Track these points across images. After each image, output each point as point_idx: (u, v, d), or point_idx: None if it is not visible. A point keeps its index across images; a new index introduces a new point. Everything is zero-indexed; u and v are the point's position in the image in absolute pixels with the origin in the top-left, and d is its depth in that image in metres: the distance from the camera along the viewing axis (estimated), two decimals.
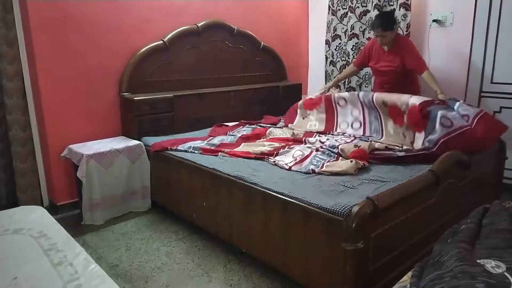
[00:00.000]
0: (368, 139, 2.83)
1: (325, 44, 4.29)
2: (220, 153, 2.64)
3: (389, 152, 2.45)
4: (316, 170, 2.23)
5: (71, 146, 2.87)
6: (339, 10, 4.10)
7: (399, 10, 3.62)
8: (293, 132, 3.06)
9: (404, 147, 2.62)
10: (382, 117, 2.90)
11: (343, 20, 4.09)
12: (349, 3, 3.98)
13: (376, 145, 2.55)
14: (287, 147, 2.66)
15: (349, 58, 4.08)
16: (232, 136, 3.04)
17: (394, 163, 2.34)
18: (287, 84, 4.23)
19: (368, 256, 1.69)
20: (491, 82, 3.28)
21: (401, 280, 1.20)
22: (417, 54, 3.14)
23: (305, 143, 2.78)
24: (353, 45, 4.03)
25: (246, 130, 3.22)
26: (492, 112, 3.28)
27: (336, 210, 1.69)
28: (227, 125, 3.46)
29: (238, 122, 3.51)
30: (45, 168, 3.01)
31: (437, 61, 3.60)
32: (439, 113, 2.49)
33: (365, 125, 2.99)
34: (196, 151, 2.70)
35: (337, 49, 4.21)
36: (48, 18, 2.76)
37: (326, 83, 4.36)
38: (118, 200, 2.90)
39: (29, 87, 2.86)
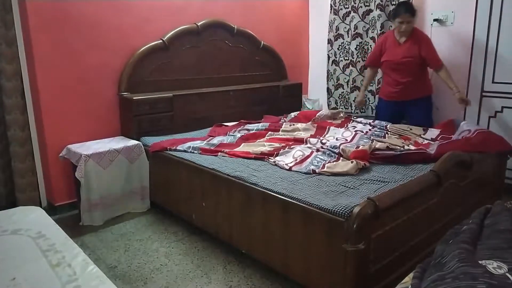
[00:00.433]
0: (370, 138, 2.84)
1: (328, 43, 4.28)
2: (220, 153, 2.62)
3: (390, 152, 2.44)
4: (317, 171, 2.22)
5: (69, 146, 2.86)
6: (341, 9, 4.09)
7: None
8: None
9: (406, 147, 2.61)
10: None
11: (345, 19, 4.09)
12: (352, 3, 3.97)
13: (377, 145, 2.54)
14: (287, 147, 2.65)
15: (353, 58, 4.07)
16: (232, 136, 3.03)
17: (395, 163, 2.34)
18: (287, 84, 4.22)
19: (369, 257, 1.68)
20: (493, 82, 3.26)
21: (402, 281, 1.19)
22: (434, 48, 3.16)
23: (306, 143, 2.77)
24: (357, 45, 4.02)
25: (246, 130, 3.20)
26: (493, 112, 3.28)
27: (336, 211, 1.68)
28: (227, 125, 3.45)
29: (238, 122, 3.50)
30: (44, 168, 2.99)
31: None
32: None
33: (356, 137, 2.95)
34: (195, 151, 2.69)
35: (340, 49, 4.20)
36: (47, 17, 2.75)
37: (327, 83, 4.37)
38: (116, 200, 2.89)
39: (27, 86, 2.85)
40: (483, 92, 3.33)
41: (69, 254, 1.39)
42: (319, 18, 4.48)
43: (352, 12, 4.00)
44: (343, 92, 4.27)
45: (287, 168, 2.30)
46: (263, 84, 4.05)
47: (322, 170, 2.22)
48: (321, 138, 2.88)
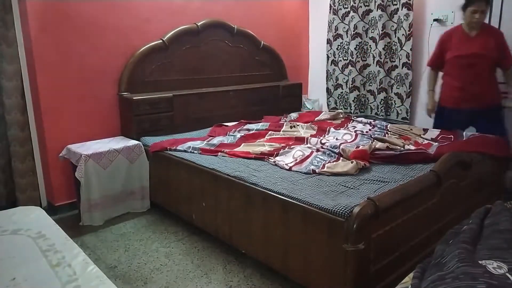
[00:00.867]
0: (372, 136, 2.84)
1: (327, 43, 4.28)
2: (220, 153, 2.62)
3: (390, 151, 2.44)
4: (317, 171, 2.22)
5: (69, 146, 2.86)
6: (341, 9, 4.09)
7: (401, 9, 3.61)
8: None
9: (406, 147, 2.61)
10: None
11: (344, 19, 4.09)
12: (351, 3, 3.97)
13: (378, 145, 2.54)
14: (287, 147, 2.65)
15: (352, 58, 4.07)
16: (232, 137, 3.03)
17: (395, 163, 2.34)
18: (287, 84, 4.22)
19: (369, 257, 1.68)
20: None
21: (402, 282, 1.19)
22: (507, 44, 2.88)
23: (306, 143, 2.77)
24: (356, 45, 4.02)
25: (246, 130, 3.20)
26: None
27: (336, 211, 1.68)
28: (227, 125, 3.45)
29: (238, 122, 3.50)
30: (44, 168, 2.99)
31: None
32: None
33: (357, 138, 2.94)
34: (195, 151, 2.69)
35: (339, 49, 4.20)
36: (47, 18, 2.75)
37: (327, 83, 4.37)
38: (116, 200, 2.89)
39: (27, 86, 2.85)
40: None
41: (69, 254, 1.39)
42: (319, 18, 4.48)
43: (351, 12, 4.00)
44: (342, 92, 4.27)
45: (287, 168, 2.30)
46: (263, 84, 4.05)
47: (322, 170, 2.22)
48: (321, 138, 2.88)
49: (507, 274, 0.97)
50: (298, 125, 3.23)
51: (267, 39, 4.09)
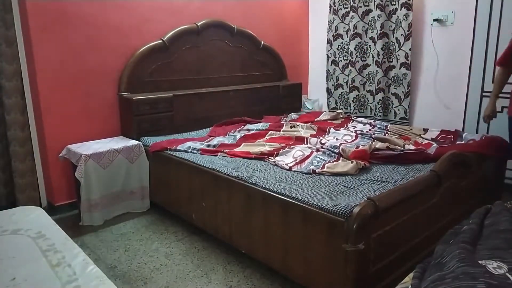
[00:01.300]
0: (372, 136, 2.84)
1: (327, 43, 4.28)
2: (220, 153, 2.62)
3: (390, 151, 2.44)
4: (317, 171, 2.22)
5: (69, 146, 2.86)
6: (341, 9, 4.09)
7: (400, 9, 3.61)
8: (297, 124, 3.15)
9: (406, 147, 2.62)
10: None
11: (344, 19, 4.09)
12: (351, 3, 3.98)
13: (378, 145, 2.54)
14: (287, 147, 2.65)
15: (352, 58, 4.07)
16: (232, 137, 3.03)
17: (395, 163, 2.34)
18: (287, 84, 4.22)
19: (369, 257, 1.68)
20: (493, 82, 3.26)
21: (402, 282, 1.19)
22: None
23: (306, 143, 2.77)
24: (356, 45, 4.02)
25: (246, 130, 3.21)
26: None
27: (336, 211, 1.68)
28: (227, 122, 3.44)
29: (240, 120, 3.50)
30: (44, 168, 2.99)
31: (438, 61, 3.59)
32: None
33: (357, 138, 2.94)
34: (195, 151, 2.69)
35: (339, 49, 4.20)
36: (47, 17, 2.75)
37: (327, 83, 4.37)
38: (116, 200, 2.89)
39: (27, 86, 2.85)
40: (483, 92, 3.33)
41: (69, 254, 1.39)
42: (319, 18, 4.48)
43: (351, 12, 4.00)
44: (342, 92, 4.27)
45: (287, 168, 2.30)
46: (263, 84, 4.05)
47: (322, 170, 2.22)
48: (321, 138, 2.89)
49: (507, 274, 0.98)
50: (298, 125, 3.23)
51: (267, 39, 4.09)
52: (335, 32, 4.19)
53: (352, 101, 4.16)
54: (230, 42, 3.77)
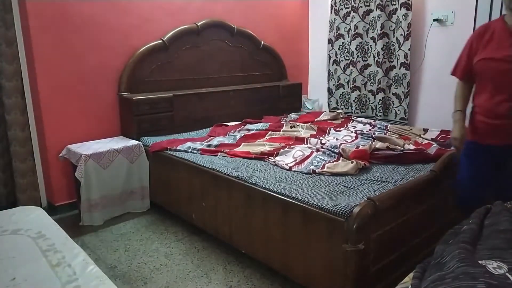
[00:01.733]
0: (372, 136, 2.84)
1: (328, 43, 4.28)
2: (220, 153, 2.62)
3: (390, 151, 2.44)
4: (317, 171, 2.22)
5: (69, 146, 2.86)
6: (342, 9, 4.09)
7: (400, 9, 3.61)
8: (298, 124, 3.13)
9: (406, 147, 2.61)
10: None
11: (346, 19, 4.09)
12: (352, 3, 3.98)
13: (378, 145, 2.54)
14: (287, 147, 2.65)
15: (353, 58, 4.07)
16: (232, 137, 3.03)
17: (395, 163, 2.34)
18: (287, 84, 4.22)
19: (369, 257, 1.68)
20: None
21: (402, 281, 1.19)
22: None
23: (306, 143, 2.77)
24: (357, 45, 4.02)
25: (246, 130, 3.21)
26: None
27: (336, 211, 1.68)
28: (227, 125, 3.45)
29: (242, 121, 3.50)
30: (44, 168, 2.99)
31: (437, 61, 3.58)
32: None
33: (357, 138, 2.95)
34: (195, 151, 2.69)
35: (340, 49, 4.20)
36: (47, 17, 2.75)
37: (328, 83, 4.36)
38: (116, 200, 2.89)
39: (27, 86, 2.85)
40: None
41: (69, 254, 1.39)
42: (319, 18, 4.48)
43: (352, 12, 4.00)
44: (343, 92, 4.27)
45: (287, 168, 2.30)
46: (263, 84, 4.05)
47: (322, 170, 2.22)
48: (321, 139, 2.89)
49: (507, 274, 0.98)
50: (298, 125, 3.23)
51: (267, 39, 4.09)
52: (336, 32, 4.19)
53: (354, 101, 4.16)
54: (230, 42, 3.76)
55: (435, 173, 1.99)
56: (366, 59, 4.02)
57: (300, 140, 2.83)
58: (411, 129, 3.10)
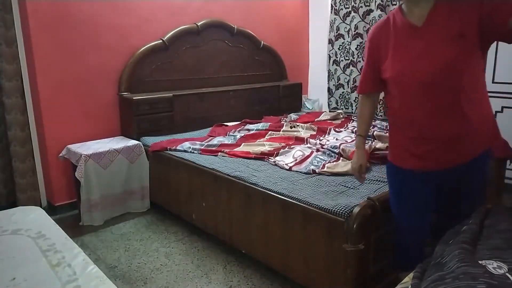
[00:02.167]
0: (372, 136, 2.84)
1: (328, 43, 4.28)
2: (220, 153, 2.62)
3: None
4: (317, 171, 2.22)
5: (69, 146, 2.86)
6: (342, 9, 4.09)
7: None
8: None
9: None
10: None
11: (346, 19, 4.09)
12: (352, 3, 3.98)
13: (378, 145, 2.54)
14: (287, 147, 2.65)
15: (353, 58, 4.07)
16: (232, 137, 3.03)
17: None
18: (287, 84, 4.22)
19: (369, 257, 1.68)
20: (493, 82, 3.26)
21: (402, 281, 1.19)
22: None
23: (306, 143, 2.77)
24: (357, 45, 4.02)
25: (246, 130, 3.21)
26: (493, 112, 3.27)
27: (336, 211, 1.68)
28: (227, 125, 3.45)
29: (241, 122, 3.50)
30: (44, 168, 2.99)
31: None
32: None
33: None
34: (195, 151, 2.69)
35: (340, 49, 4.20)
36: (47, 17, 2.75)
37: (328, 83, 4.36)
38: (116, 200, 2.89)
39: (27, 86, 2.85)
40: None
41: (69, 254, 1.39)
42: (319, 18, 4.48)
43: (352, 12, 4.00)
44: (343, 92, 4.27)
45: (287, 168, 2.30)
46: (263, 84, 4.05)
47: (322, 170, 2.22)
48: (321, 139, 2.89)
49: (507, 274, 0.97)
50: (298, 125, 3.23)
51: (267, 39, 4.09)
52: (336, 32, 4.19)
53: (354, 101, 4.16)
54: (230, 42, 3.76)
55: None
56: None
57: (300, 140, 2.83)
58: None
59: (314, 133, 3.08)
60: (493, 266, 1.01)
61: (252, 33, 3.92)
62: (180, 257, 2.40)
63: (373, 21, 3.86)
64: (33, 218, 1.71)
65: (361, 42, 4.01)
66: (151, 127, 3.13)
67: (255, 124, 3.33)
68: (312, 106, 4.48)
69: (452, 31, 1.31)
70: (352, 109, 4.20)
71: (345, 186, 2.00)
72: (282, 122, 3.43)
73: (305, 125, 3.23)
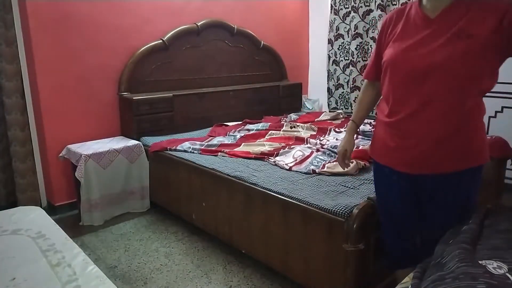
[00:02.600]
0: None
1: (328, 43, 4.29)
2: (220, 153, 2.63)
3: None
4: (317, 171, 2.22)
5: (69, 146, 2.86)
6: (342, 9, 4.10)
7: None
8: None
9: None
10: None
11: (345, 19, 4.10)
12: (352, 3, 3.98)
13: None
14: (287, 147, 2.65)
15: (353, 58, 4.07)
16: (232, 137, 3.03)
17: None
18: (287, 84, 4.22)
19: (369, 257, 1.68)
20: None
21: (402, 281, 1.19)
22: None
23: (306, 143, 2.77)
24: (357, 45, 4.02)
25: (246, 130, 3.21)
26: (493, 112, 3.27)
27: (336, 211, 1.68)
28: (227, 125, 3.45)
29: (241, 122, 3.50)
30: (44, 168, 2.99)
31: None
32: None
33: (357, 138, 2.94)
34: (195, 151, 2.69)
35: (340, 49, 4.20)
36: (47, 17, 2.75)
37: (328, 83, 4.36)
38: (116, 200, 2.89)
39: (27, 86, 2.85)
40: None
41: (69, 254, 1.39)
42: (319, 18, 4.48)
43: (352, 12, 4.00)
44: (343, 92, 4.27)
45: (287, 168, 2.30)
46: (263, 84, 4.05)
47: (322, 170, 2.22)
48: (321, 139, 2.89)
49: (507, 274, 0.97)
50: (298, 125, 3.23)
51: (267, 39, 4.09)
52: (336, 32, 4.19)
53: (354, 101, 4.16)
54: (230, 42, 3.77)
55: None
56: (366, 59, 4.02)
57: (300, 140, 2.83)
58: None
59: (314, 133, 3.08)
60: (493, 266, 1.01)
61: (252, 33, 3.92)
62: (180, 257, 2.40)
63: (373, 21, 3.86)
64: (33, 218, 1.71)
65: (361, 42, 4.01)
66: (151, 127, 3.13)
67: (255, 124, 3.33)
68: (312, 106, 4.49)
69: (460, 28, 1.25)
70: (352, 109, 4.20)
71: (345, 186, 2.00)
72: (282, 122, 3.43)
73: (305, 125, 3.23)
